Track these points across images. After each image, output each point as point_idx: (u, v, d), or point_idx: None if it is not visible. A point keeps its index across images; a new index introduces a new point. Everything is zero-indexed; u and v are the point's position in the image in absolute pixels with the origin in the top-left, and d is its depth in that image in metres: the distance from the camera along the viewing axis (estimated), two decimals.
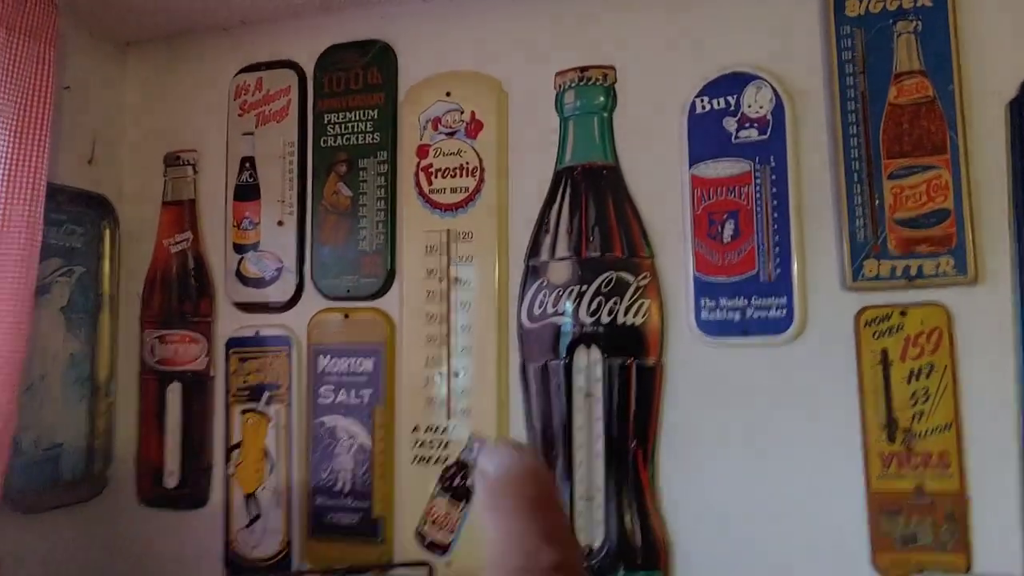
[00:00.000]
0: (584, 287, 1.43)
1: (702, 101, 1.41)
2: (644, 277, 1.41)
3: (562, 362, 1.44)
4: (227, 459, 1.66)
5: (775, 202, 1.35)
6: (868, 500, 1.29)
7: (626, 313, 1.41)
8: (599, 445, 1.41)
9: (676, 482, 1.40)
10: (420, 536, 1.51)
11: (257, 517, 1.62)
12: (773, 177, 1.35)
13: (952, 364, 1.26)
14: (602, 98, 1.47)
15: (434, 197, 1.55)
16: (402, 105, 1.60)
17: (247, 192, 1.69)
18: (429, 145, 1.56)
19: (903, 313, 1.28)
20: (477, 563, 1.46)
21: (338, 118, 1.63)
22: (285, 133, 1.67)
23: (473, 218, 1.52)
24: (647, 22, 1.47)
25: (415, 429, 1.53)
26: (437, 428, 1.52)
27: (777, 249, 1.34)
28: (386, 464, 1.55)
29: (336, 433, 1.58)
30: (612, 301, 1.42)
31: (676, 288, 1.41)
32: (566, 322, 1.44)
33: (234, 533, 1.64)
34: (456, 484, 1.49)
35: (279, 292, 1.65)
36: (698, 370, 1.40)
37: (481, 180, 1.52)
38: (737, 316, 1.36)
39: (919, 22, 1.30)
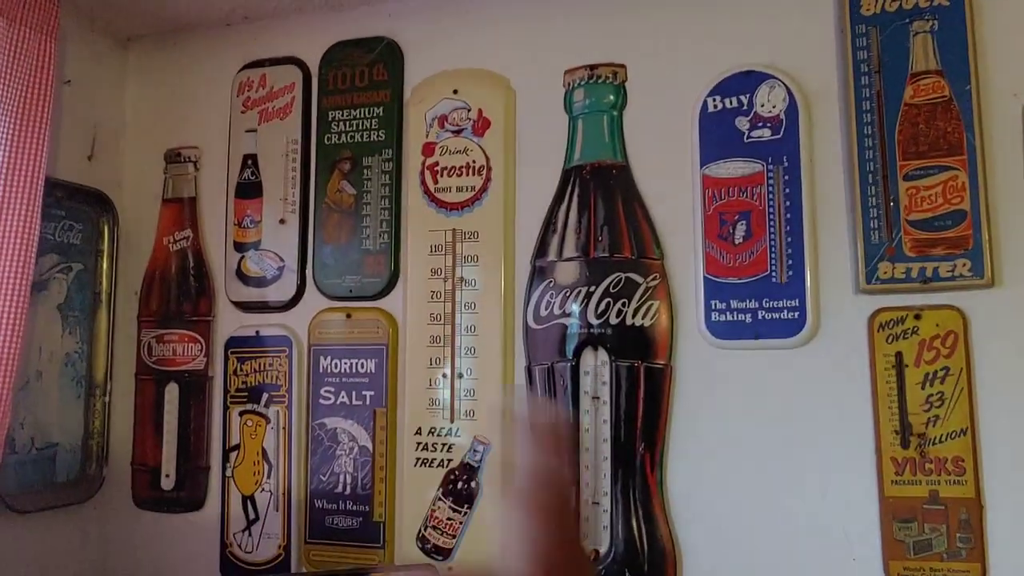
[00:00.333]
0: (592, 288, 1.41)
1: (714, 100, 1.39)
2: (653, 278, 1.39)
3: (569, 364, 1.41)
4: (225, 461, 1.63)
5: (788, 203, 1.33)
6: (881, 506, 1.26)
7: (635, 315, 1.39)
8: (606, 449, 1.38)
9: (684, 487, 1.38)
10: (421, 540, 1.48)
11: (255, 520, 1.60)
12: (786, 177, 1.33)
13: (968, 368, 1.24)
14: (612, 96, 1.45)
15: (440, 196, 1.52)
16: (408, 102, 1.58)
17: (249, 190, 1.66)
18: (435, 143, 1.54)
19: (918, 316, 1.26)
20: (479, 569, 1.44)
21: (343, 115, 1.61)
22: (288, 130, 1.65)
23: (479, 217, 1.50)
24: (658, 19, 1.46)
25: (418, 432, 1.50)
26: (440, 431, 1.49)
27: (790, 251, 1.32)
28: (387, 467, 1.52)
29: (337, 435, 1.55)
30: (620, 302, 1.39)
31: (686, 290, 1.39)
32: (573, 323, 1.42)
33: (231, 537, 1.61)
34: (459, 488, 1.47)
35: (280, 291, 1.63)
36: (708, 373, 1.37)
37: (488, 179, 1.50)
38: (748, 318, 1.34)
39: (935, 21, 1.28)
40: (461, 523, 1.47)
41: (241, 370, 1.63)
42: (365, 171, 1.59)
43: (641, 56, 1.45)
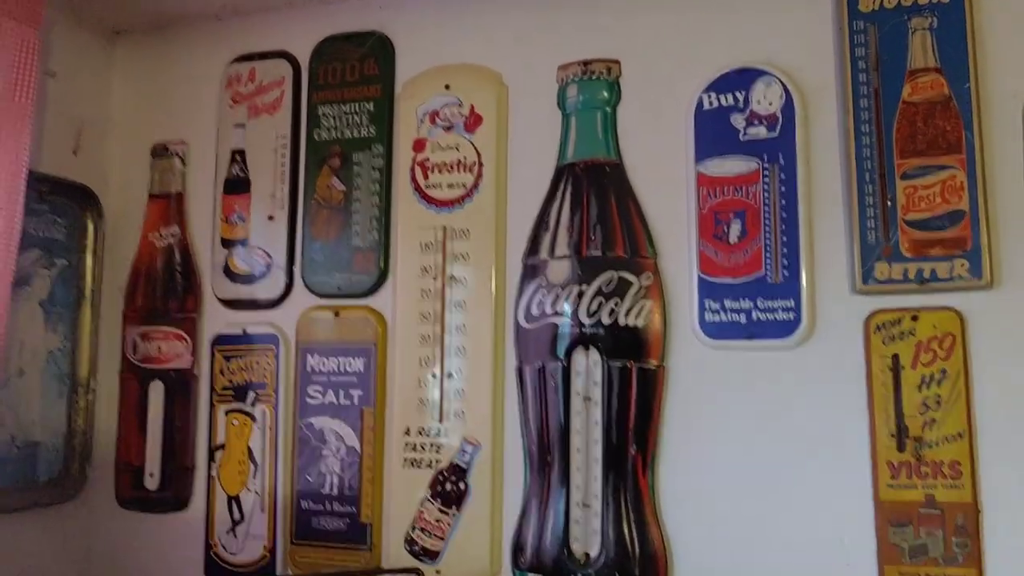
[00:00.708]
0: (584, 287, 1.39)
1: (709, 97, 1.37)
2: (647, 277, 1.37)
3: (560, 364, 1.39)
4: (210, 461, 1.61)
5: (783, 202, 1.31)
6: (876, 511, 1.24)
7: (627, 314, 1.37)
8: (597, 451, 1.36)
9: (677, 490, 1.35)
10: (409, 543, 1.46)
11: (240, 521, 1.57)
12: (782, 176, 1.31)
13: (965, 371, 1.22)
14: (606, 93, 1.43)
15: (430, 193, 1.50)
16: (399, 98, 1.56)
17: (237, 185, 1.64)
18: (426, 139, 1.52)
19: (915, 318, 1.24)
20: (467, 571, 1.42)
21: (333, 110, 1.59)
22: (278, 125, 1.63)
23: (470, 215, 1.48)
24: (653, 15, 1.43)
25: (406, 432, 1.48)
26: (429, 431, 1.47)
27: (785, 250, 1.30)
28: (375, 468, 1.50)
29: (324, 435, 1.53)
30: (613, 302, 1.37)
31: (680, 289, 1.37)
32: (565, 323, 1.40)
33: (216, 537, 1.59)
34: (448, 489, 1.44)
35: (268, 289, 1.60)
36: (701, 374, 1.35)
37: (479, 176, 1.48)
38: (743, 319, 1.31)
39: (935, 18, 1.26)
40: (450, 525, 1.44)
41: (227, 368, 1.61)
42: (355, 167, 1.56)
43: (636, 52, 1.43)
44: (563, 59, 1.46)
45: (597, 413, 1.37)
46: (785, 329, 1.29)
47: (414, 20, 1.57)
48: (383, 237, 1.53)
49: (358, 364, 1.52)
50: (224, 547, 1.58)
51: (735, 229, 1.33)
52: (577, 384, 1.38)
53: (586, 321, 1.38)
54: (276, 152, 1.62)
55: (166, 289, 1.67)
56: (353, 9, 1.61)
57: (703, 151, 1.36)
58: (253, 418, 1.58)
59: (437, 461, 1.46)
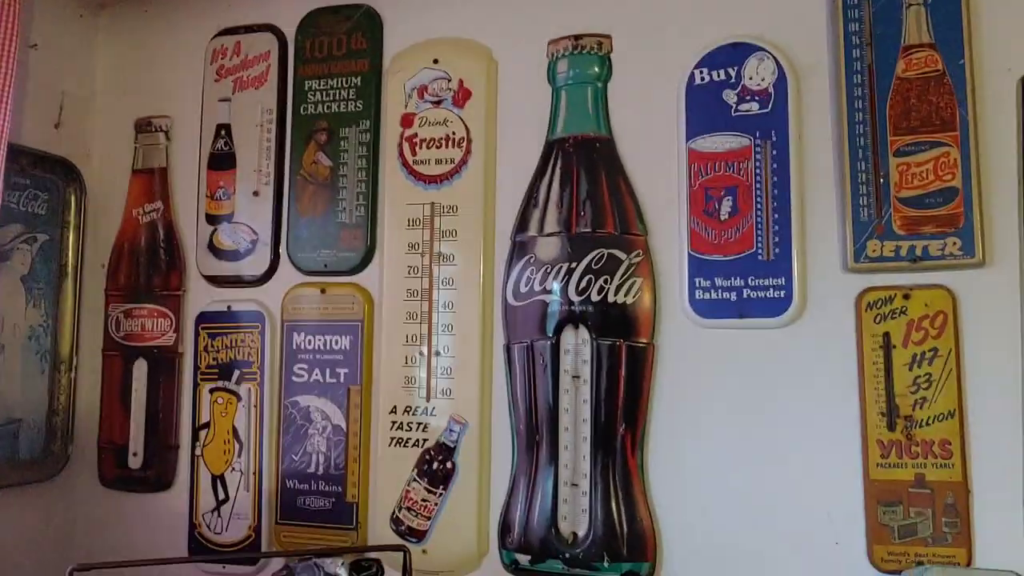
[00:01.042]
0: (573, 264, 1.37)
1: (701, 72, 1.35)
2: (636, 255, 1.36)
3: (549, 342, 1.38)
4: (194, 440, 1.59)
5: (775, 178, 1.29)
6: (866, 490, 1.24)
7: (617, 292, 1.35)
8: (586, 429, 1.35)
9: (666, 469, 1.34)
10: (395, 522, 1.45)
11: (224, 500, 1.55)
12: (774, 152, 1.30)
13: (957, 349, 1.21)
14: (596, 68, 1.41)
15: (418, 168, 1.48)
16: (387, 72, 1.54)
17: (222, 161, 1.61)
18: (414, 114, 1.50)
19: (907, 296, 1.23)
20: (454, 552, 1.41)
21: (319, 85, 1.57)
22: (263, 100, 1.60)
23: (458, 191, 1.46)
24: None
25: (393, 410, 1.46)
26: (416, 409, 1.45)
27: (776, 227, 1.29)
28: (361, 447, 1.49)
29: (310, 414, 1.52)
30: (602, 279, 1.36)
31: (670, 267, 1.36)
32: (554, 300, 1.38)
33: (200, 517, 1.57)
34: (435, 469, 1.43)
35: (253, 265, 1.58)
36: (691, 353, 1.34)
37: (468, 151, 1.46)
38: (733, 297, 1.30)
39: None
40: (436, 504, 1.43)
41: (212, 346, 1.59)
42: (342, 142, 1.54)
43: (627, 27, 1.41)
44: (553, 33, 1.44)
45: (586, 391, 1.36)
46: (776, 307, 1.28)
47: None
48: (370, 213, 1.52)
49: (344, 342, 1.50)
50: (208, 527, 1.56)
51: (726, 206, 1.31)
52: (566, 362, 1.37)
53: (575, 299, 1.37)
54: (262, 127, 1.59)
55: (150, 266, 1.65)
56: None
57: (694, 127, 1.35)
58: (238, 396, 1.56)
59: (424, 440, 1.44)
